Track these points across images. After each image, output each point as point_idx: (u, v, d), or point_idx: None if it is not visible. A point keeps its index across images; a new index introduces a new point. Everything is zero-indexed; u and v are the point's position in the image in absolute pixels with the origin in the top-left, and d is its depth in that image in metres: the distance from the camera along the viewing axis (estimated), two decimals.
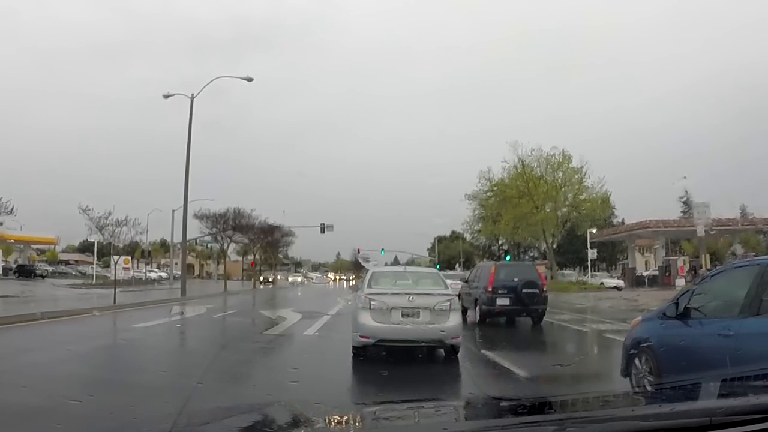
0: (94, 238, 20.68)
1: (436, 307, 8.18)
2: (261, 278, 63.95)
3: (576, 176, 39.58)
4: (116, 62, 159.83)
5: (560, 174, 40.26)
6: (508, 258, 60.72)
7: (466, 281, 18.04)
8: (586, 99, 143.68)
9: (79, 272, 61.51)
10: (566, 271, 44.76)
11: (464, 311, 14.47)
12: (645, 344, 5.78)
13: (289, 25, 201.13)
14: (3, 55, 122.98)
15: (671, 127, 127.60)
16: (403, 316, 8.10)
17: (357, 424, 1.62)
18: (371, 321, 8.03)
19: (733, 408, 1.36)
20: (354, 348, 8.24)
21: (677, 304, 5.48)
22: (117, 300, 19.21)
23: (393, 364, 7.84)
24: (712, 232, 42.81)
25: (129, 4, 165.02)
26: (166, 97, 25.97)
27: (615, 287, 40.68)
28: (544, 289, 15.61)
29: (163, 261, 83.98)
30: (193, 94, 25.32)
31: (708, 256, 28.80)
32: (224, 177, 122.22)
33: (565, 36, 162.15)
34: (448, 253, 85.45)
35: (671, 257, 48.28)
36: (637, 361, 5.83)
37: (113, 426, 3.01)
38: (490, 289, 15.07)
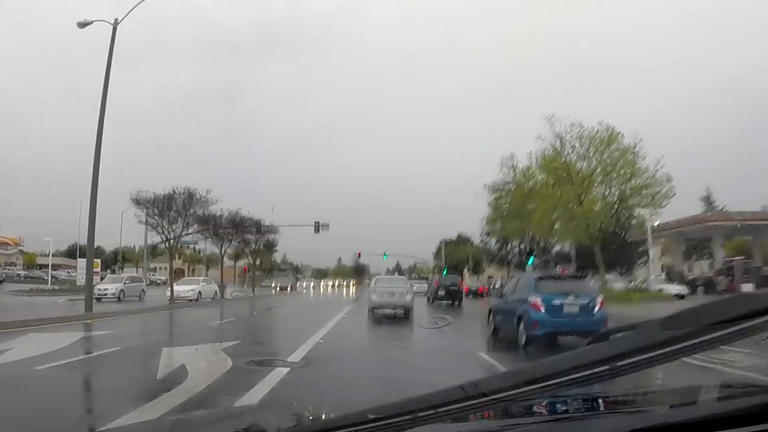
0: None
1: (401, 292, 20.58)
2: None
3: (629, 156, 31.45)
4: (132, 67, 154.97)
5: (607, 155, 32.25)
6: (531, 260, 53.97)
7: (428, 284, 42.83)
8: (597, 104, 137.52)
9: (54, 277, 54.79)
10: (609, 276, 36.70)
11: (428, 299, 34.86)
12: (491, 308, 14.98)
13: (309, 30, 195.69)
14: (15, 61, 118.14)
15: (684, 130, 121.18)
16: (388, 296, 20.44)
17: (358, 424, 1.46)
18: (376, 297, 20.35)
19: (733, 408, 1.32)
20: (369, 309, 20.32)
21: (501, 289, 16.25)
22: None
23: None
24: (739, 227, 35.81)
25: (148, 8, 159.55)
26: (82, 26, 18.51)
27: (677, 295, 33.07)
28: (461, 288, 35.31)
29: (151, 265, 77.64)
30: (116, 20, 18.33)
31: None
32: (227, 180, 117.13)
33: (581, 43, 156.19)
34: (455, 258, 76.87)
35: (734, 258, 40.38)
36: (490, 316, 14.72)
37: None
38: (435, 287, 34.20)
